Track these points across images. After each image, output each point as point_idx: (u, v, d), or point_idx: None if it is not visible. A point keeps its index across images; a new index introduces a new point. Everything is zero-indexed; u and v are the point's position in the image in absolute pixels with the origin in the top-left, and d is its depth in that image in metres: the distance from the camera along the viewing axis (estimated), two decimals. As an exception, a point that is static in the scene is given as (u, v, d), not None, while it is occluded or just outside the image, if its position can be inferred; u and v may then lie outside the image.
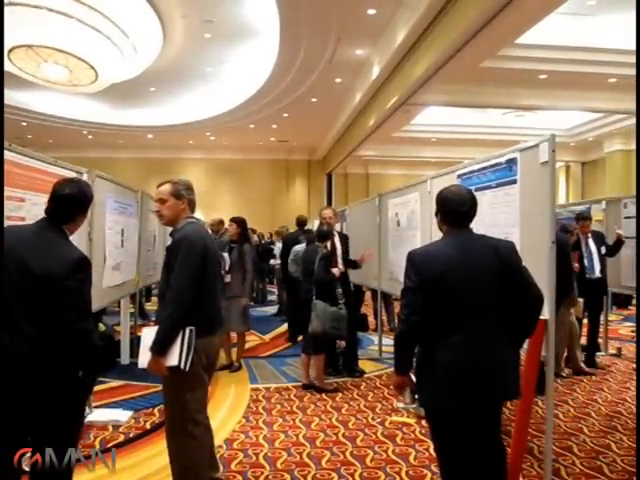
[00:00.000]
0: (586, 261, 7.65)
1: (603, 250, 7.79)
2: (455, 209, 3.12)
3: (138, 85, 15.86)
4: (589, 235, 7.75)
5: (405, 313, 2.98)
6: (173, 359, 3.35)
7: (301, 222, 10.81)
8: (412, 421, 5.51)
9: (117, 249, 6.68)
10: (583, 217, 7.90)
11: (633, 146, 19.74)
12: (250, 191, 24.39)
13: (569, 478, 4.26)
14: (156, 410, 5.77)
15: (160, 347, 3.39)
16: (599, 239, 7.86)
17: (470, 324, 2.92)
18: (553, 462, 4.27)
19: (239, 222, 7.73)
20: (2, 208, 2.99)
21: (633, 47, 11.72)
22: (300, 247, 9.09)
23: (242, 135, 21.53)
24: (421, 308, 2.94)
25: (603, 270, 7.77)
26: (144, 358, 3.45)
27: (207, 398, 3.73)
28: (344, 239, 7.74)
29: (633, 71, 12.51)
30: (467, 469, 3.02)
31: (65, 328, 2.73)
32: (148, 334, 3.47)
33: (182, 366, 3.34)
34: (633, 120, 17.74)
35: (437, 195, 3.24)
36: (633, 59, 12.44)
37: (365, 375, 7.38)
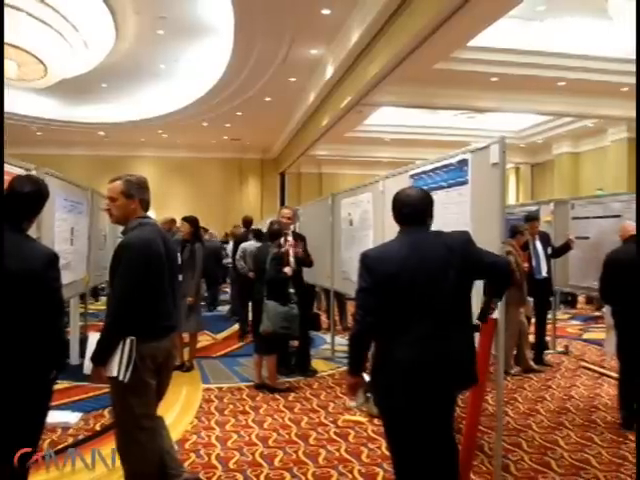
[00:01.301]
0: (534, 261, 7.77)
1: (549, 251, 7.95)
2: (400, 210, 3.16)
3: (89, 81, 15.62)
4: (537, 236, 7.89)
5: (360, 314, 2.98)
6: (112, 370, 3.30)
7: (247, 222, 11.01)
8: (364, 420, 5.55)
9: (66, 248, 6.56)
10: (532, 218, 8.04)
11: (581, 148, 20.23)
12: (203, 190, 24.22)
13: (518, 474, 4.33)
14: (106, 412, 5.69)
15: (99, 357, 3.35)
16: (545, 240, 8.01)
17: (424, 322, 2.93)
18: (503, 458, 4.34)
19: (191, 221, 7.68)
20: (2, 208, 2.93)
21: (581, 51, 11.98)
22: (248, 244, 9.09)
23: (195, 133, 21.38)
24: (376, 309, 2.94)
25: (549, 270, 7.92)
26: (88, 364, 3.41)
27: (156, 401, 3.66)
28: (300, 239, 7.69)
29: (581, 75, 12.90)
30: (420, 467, 3.04)
31: (44, 326, 2.71)
32: (93, 340, 3.42)
33: (121, 377, 3.29)
34: (581, 123, 18.19)
35: (393, 199, 3.26)
36: (581, 63, 12.79)
37: (318, 374, 7.40)
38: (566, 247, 7.94)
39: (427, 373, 2.92)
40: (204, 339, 9.49)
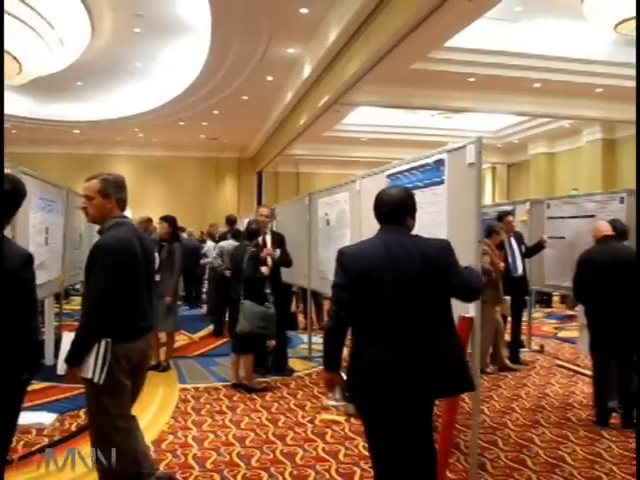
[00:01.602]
0: (510, 259, 7.82)
1: (522, 249, 8.00)
2: (380, 209, 3.18)
3: (64, 79, 15.48)
4: (512, 235, 7.92)
5: (334, 309, 3.02)
6: (87, 372, 3.28)
7: (231, 221, 10.95)
8: (341, 419, 5.55)
9: (41, 247, 6.50)
10: (506, 214, 8.08)
11: (556, 149, 20.41)
12: (179, 189, 24.10)
13: (494, 471, 4.36)
14: (81, 412, 5.63)
15: (73, 359, 3.33)
16: (519, 239, 8.06)
17: (395, 323, 2.93)
18: (479, 456, 4.37)
19: (170, 221, 7.63)
20: (2, 208, 2.90)
21: (557, 53, 12.06)
22: (226, 243, 9.07)
23: (172, 132, 21.27)
24: (349, 305, 2.96)
25: (524, 269, 7.97)
26: (62, 365, 3.39)
27: (131, 402, 3.64)
28: (279, 238, 7.64)
29: (557, 76, 12.99)
30: (397, 466, 3.05)
31: (18, 327, 2.70)
32: (67, 341, 3.39)
33: (95, 379, 3.27)
34: (556, 124, 18.35)
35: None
36: (557, 64, 12.89)
37: (295, 374, 7.40)
38: (539, 246, 7.99)
39: (397, 374, 2.90)
40: (181, 339, 9.44)
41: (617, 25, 10.46)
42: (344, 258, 3.05)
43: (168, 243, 7.50)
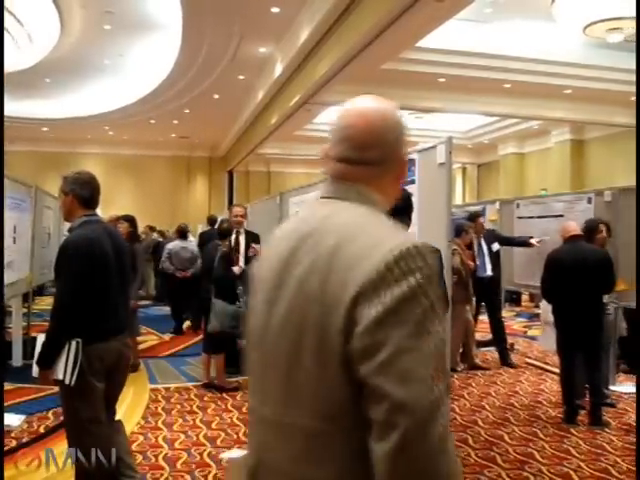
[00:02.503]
0: (478, 260, 7.85)
1: (496, 247, 7.99)
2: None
3: (33, 76, 15.27)
4: (481, 236, 7.96)
5: None
6: (58, 373, 3.24)
7: (212, 220, 10.96)
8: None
9: (8, 246, 6.41)
10: (476, 215, 8.13)
11: (526, 149, 20.62)
12: (150, 188, 23.90)
13: (465, 469, 4.39)
14: (50, 413, 5.59)
15: (44, 361, 3.30)
16: (490, 237, 8.06)
17: None
18: (449, 454, 4.40)
19: (130, 220, 7.51)
20: (2, 208, 2.85)
21: (526, 54, 12.18)
22: (173, 244, 9.09)
23: (142, 130, 21.10)
24: None
25: (494, 268, 7.98)
26: (35, 367, 3.35)
27: (111, 404, 3.59)
28: (254, 238, 7.55)
29: (526, 77, 13.14)
30: None
31: None
32: (40, 342, 3.36)
33: (67, 381, 3.23)
34: (526, 125, 18.53)
35: None
36: (526, 66, 13.02)
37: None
38: (524, 243, 7.95)
39: None
40: (151, 339, 9.39)
41: (586, 27, 10.59)
42: None
43: (130, 244, 7.38)
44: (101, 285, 3.37)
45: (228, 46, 12.44)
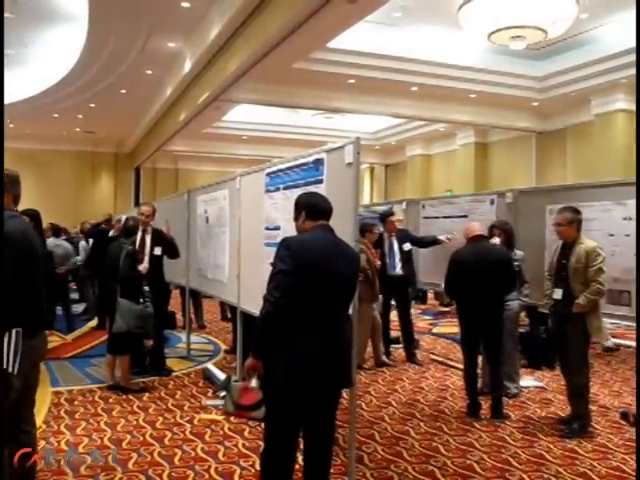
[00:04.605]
0: (387, 258, 7.94)
1: (407, 246, 8.10)
2: (319, 205, 3.40)
3: None
4: (393, 234, 8.05)
5: (275, 296, 3.05)
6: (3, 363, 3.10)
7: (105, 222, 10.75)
8: (220, 418, 5.51)
9: None
10: (389, 214, 8.23)
11: (432, 151, 21.12)
12: (53, 184, 23.09)
13: (372, 464, 4.46)
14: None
15: None
16: (403, 237, 8.14)
17: (328, 314, 3.18)
18: (357, 450, 4.46)
19: (33, 216, 7.08)
20: (2, 207, 2.67)
21: (433, 58, 12.46)
22: (49, 242, 8.91)
23: (45, 124, 20.39)
24: (291, 292, 3.05)
25: (405, 267, 8.05)
26: None
27: (30, 406, 3.44)
28: (160, 235, 7.35)
29: (433, 81, 13.49)
30: (291, 458, 3.25)
31: None
32: None
33: (10, 369, 3.08)
34: (432, 127, 18.96)
35: (298, 199, 3.49)
36: (433, 70, 13.35)
37: (173, 374, 7.26)
38: (434, 242, 8.05)
39: (329, 361, 3.17)
40: (53, 340, 9.08)
41: (491, 34, 10.93)
42: (293, 245, 3.16)
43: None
44: (32, 278, 3.26)
45: (136, 40, 12.19)
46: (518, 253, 6.22)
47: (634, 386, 6.69)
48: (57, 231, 8.97)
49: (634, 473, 4.29)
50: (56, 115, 18.98)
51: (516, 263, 6.05)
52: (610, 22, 11.64)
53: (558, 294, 5.16)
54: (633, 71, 12.19)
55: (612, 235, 5.99)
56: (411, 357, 7.99)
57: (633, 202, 5.81)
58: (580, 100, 14.23)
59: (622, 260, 5.78)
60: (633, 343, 9.08)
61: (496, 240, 6.04)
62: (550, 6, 10.25)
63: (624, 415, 5.54)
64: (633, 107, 13.70)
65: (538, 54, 13.18)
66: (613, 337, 8.87)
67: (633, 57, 11.83)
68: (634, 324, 6.58)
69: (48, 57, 14.56)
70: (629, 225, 5.87)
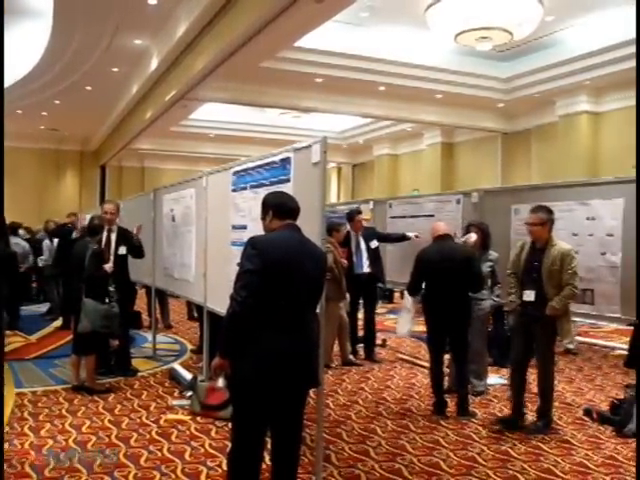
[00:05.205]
0: (355, 258, 7.95)
1: (374, 244, 8.09)
2: (287, 204, 3.39)
3: None
4: (360, 233, 8.06)
5: (242, 295, 3.05)
6: None
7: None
8: (187, 418, 5.48)
9: None
10: (356, 212, 8.23)
11: (399, 151, 21.24)
12: (15, 182, 22.58)
13: (339, 463, 4.47)
14: None
15: None
16: (369, 235, 8.14)
17: (295, 313, 3.19)
18: (324, 449, 4.47)
19: None
20: (2, 206, 2.63)
21: (401, 59, 12.52)
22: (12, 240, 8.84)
23: (8, 121, 19.70)
24: (258, 292, 3.05)
25: (372, 264, 8.05)
26: None
27: None
28: (125, 235, 7.28)
29: (400, 81, 13.57)
30: (259, 458, 3.27)
31: None
32: None
33: None
34: (399, 127, 19.08)
35: (265, 198, 3.49)
36: (400, 70, 13.42)
37: (139, 374, 7.20)
38: (402, 237, 8.09)
39: (296, 360, 3.18)
40: (16, 340, 8.95)
41: (457, 35, 11.03)
42: (260, 245, 3.15)
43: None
44: None
45: (102, 36, 12.04)
46: (493, 254, 6.29)
47: (597, 383, 6.84)
48: (15, 230, 8.86)
49: (596, 469, 4.37)
50: (19, 112, 18.67)
51: (490, 264, 6.14)
52: (575, 25, 11.84)
53: (530, 296, 5.13)
54: (597, 73, 12.47)
55: (576, 235, 6.08)
56: (370, 355, 8.04)
57: (596, 202, 5.94)
58: (545, 101, 14.44)
59: (585, 259, 5.86)
60: (596, 341, 9.25)
61: (472, 235, 6.11)
62: (516, 8, 10.40)
63: (587, 412, 5.63)
64: (596, 109, 13.98)
65: (504, 55, 13.34)
66: (577, 335, 9.00)
67: (597, 59, 12.12)
68: (597, 322, 6.71)
69: (11, 53, 14.31)
70: (592, 225, 5.99)
